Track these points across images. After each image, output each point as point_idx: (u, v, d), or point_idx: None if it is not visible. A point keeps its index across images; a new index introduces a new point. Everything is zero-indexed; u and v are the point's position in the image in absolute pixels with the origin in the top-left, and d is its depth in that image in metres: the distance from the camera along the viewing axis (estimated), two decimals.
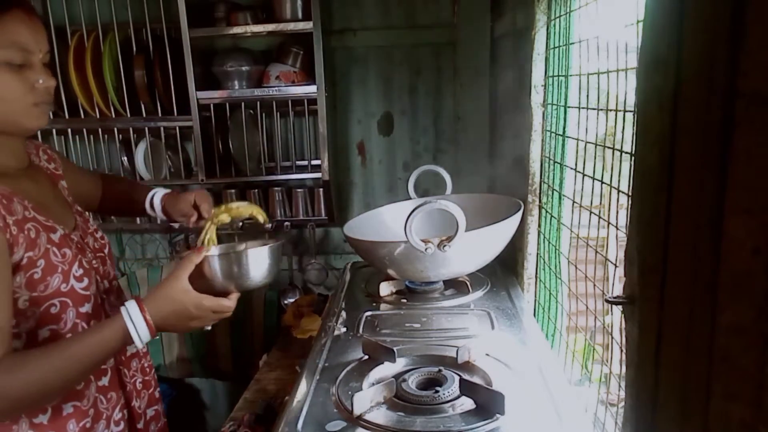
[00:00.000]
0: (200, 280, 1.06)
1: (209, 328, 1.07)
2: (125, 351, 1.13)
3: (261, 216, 1.28)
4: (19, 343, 0.95)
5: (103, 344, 0.92)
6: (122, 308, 0.95)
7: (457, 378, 0.97)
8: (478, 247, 1.27)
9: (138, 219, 2.25)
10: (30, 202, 0.98)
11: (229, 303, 1.05)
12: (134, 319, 0.94)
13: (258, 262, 1.10)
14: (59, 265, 0.97)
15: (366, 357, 1.08)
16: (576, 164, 1.13)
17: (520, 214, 1.28)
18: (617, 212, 0.91)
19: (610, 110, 0.93)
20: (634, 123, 0.79)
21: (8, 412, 0.91)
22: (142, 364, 1.19)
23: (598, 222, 1.02)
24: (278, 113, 2.15)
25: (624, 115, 0.87)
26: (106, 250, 1.15)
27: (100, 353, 0.93)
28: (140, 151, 2.17)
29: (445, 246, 1.17)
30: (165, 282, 1.00)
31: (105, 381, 1.07)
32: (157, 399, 1.23)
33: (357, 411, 0.89)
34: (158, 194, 1.32)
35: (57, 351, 0.89)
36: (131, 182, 1.53)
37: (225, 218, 1.25)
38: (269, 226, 1.32)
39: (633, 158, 0.76)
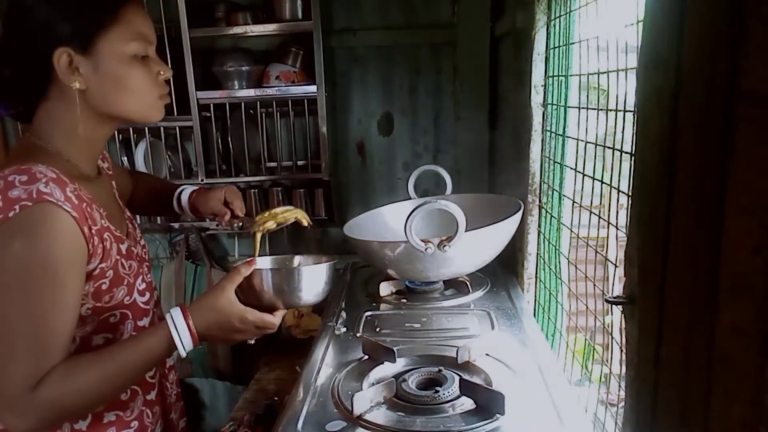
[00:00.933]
0: (249, 293, 1.03)
1: (252, 341, 1.03)
2: (166, 363, 1.12)
3: (305, 220, 1.24)
4: (72, 346, 0.93)
5: (149, 351, 0.91)
6: (167, 315, 0.94)
7: (457, 378, 0.97)
8: (478, 247, 1.27)
9: (138, 218, 2.25)
10: (104, 210, 0.96)
11: (274, 320, 1.02)
12: (179, 327, 0.92)
13: (311, 280, 1.05)
14: (126, 277, 0.97)
15: (366, 357, 1.08)
16: (576, 164, 1.13)
17: (520, 214, 1.28)
18: (617, 212, 0.91)
19: (610, 110, 0.93)
20: (634, 123, 0.79)
21: (59, 420, 0.91)
22: (176, 377, 1.18)
23: (598, 222, 1.02)
24: (278, 113, 2.15)
25: (624, 115, 0.87)
26: (148, 260, 1.13)
27: (147, 360, 0.92)
28: (140, 151, 2.17)
29: (445, 246, 1.17)
30: (211, 291, 0.98)
31: (152, 395, 1.06)
32: (184, 411, 1.21)
33: (357, 411, 0.89)
34: (186, 191, 1.28)
35: (106, 358, 0.89)
36: (160, 180, 1.49)
37: (271, 225, 1.20)
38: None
39: (633, 158, 0.76)
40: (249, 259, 1.06)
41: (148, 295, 1.03)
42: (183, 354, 0.94)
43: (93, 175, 1.00)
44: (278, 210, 1.21)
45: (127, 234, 1.05)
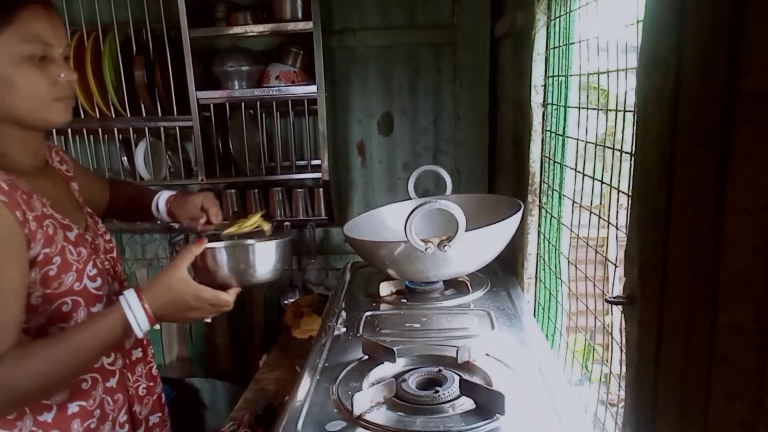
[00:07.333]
0: (202, 272, 1.06)
1: (209, 320, 1.07)
2: (131, 354, 1.13)
3: (265, 226, 1.27)
4: (27, 339, 0.94)
5: (103, 332, 0.93)
6: (121, 297, 0.95)
7: (457, 378, 0.97)
8: (478, 247, 1.27)
9: None
10: (48, 200, 0.98)
11: (228, 297, 1.05)
12: (133, 308, 0.94)
13: (263, 257, 1.08)
14: (74, 263, 0.98)
15: (366, 357, 1.08)
16: (576, 164, 1.13)
17: (520, 214, 1.28)
18: (617, 212, 0.91)
19: (610, 110, 0.93)
20: (634, 123, 0.79)
21: (15, 404, 0.91)
22: (148, 369, 1.18)
23: (598, 222, 1.02)
24: (278, 113, 2.15)
25: (624, 115, 0.87)
26: (114, 253, 1.16)
27: (102, 342, 0.94)
28: (140, 151, 2.17)
29: (445, 246, 1.17)
30: (164, 272, 1.00)
31: (113, 382, 1.07)
32: (161, 406, 1.22)
33: (357, 411, 0.89)
34: (163, 197, 1.32)
35: (59, 341, 0.90)
36: (138, 186, 1.54)
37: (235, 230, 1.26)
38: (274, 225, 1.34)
39: (633, 158, 0.76)
40: (200, 239, 1.09)
41: (99, 280, 1.03)
42: (139, 335, 0.97)
43: (33, 169, 1.02)
44: (247, 224, 1.26)
45: (86, 227, 1.08)
